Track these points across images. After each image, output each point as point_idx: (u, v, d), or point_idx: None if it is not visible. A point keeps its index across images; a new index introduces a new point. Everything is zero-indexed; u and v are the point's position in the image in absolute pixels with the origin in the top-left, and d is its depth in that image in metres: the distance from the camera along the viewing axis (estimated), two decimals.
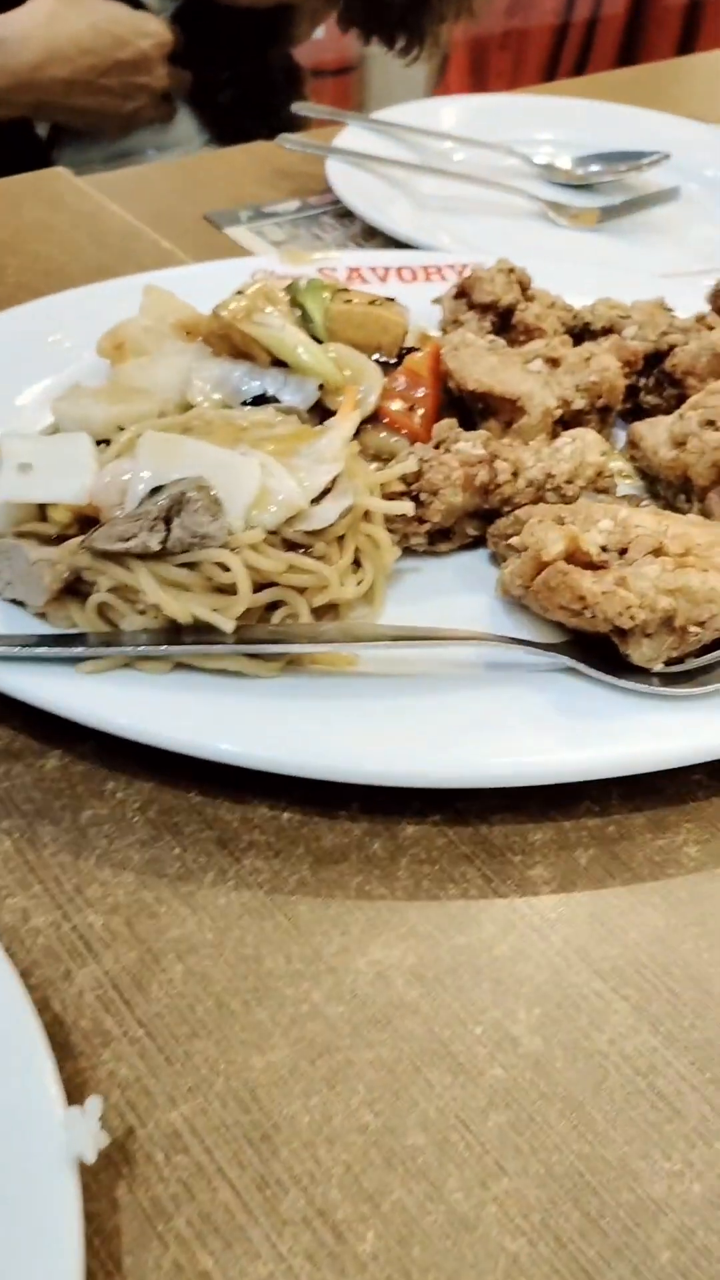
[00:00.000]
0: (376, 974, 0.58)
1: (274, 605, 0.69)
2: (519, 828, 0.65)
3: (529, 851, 0.64)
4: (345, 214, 1.28)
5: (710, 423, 0.76)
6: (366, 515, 0.73)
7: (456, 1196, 0.50)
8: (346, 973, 0.58)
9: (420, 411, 0.85)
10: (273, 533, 0.68)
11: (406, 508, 0.73)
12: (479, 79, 3.66)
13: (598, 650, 0.69)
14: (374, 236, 1.24)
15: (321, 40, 3.19)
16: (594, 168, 1.32)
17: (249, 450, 0.70)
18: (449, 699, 0.67)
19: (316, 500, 0.69)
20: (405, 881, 0.62)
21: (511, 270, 0.92)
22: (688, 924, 0.61)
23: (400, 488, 0.75)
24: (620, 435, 0.88)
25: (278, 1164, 0.51)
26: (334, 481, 0.70)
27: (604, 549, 0.68)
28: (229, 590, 0.66)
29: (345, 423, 0.73)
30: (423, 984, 0.57)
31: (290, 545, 0.69)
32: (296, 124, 1.63)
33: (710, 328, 0.87)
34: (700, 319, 0.89)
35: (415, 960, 0.58)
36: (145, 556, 0.65)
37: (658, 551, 0.67)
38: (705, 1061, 0.55)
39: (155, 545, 0.65)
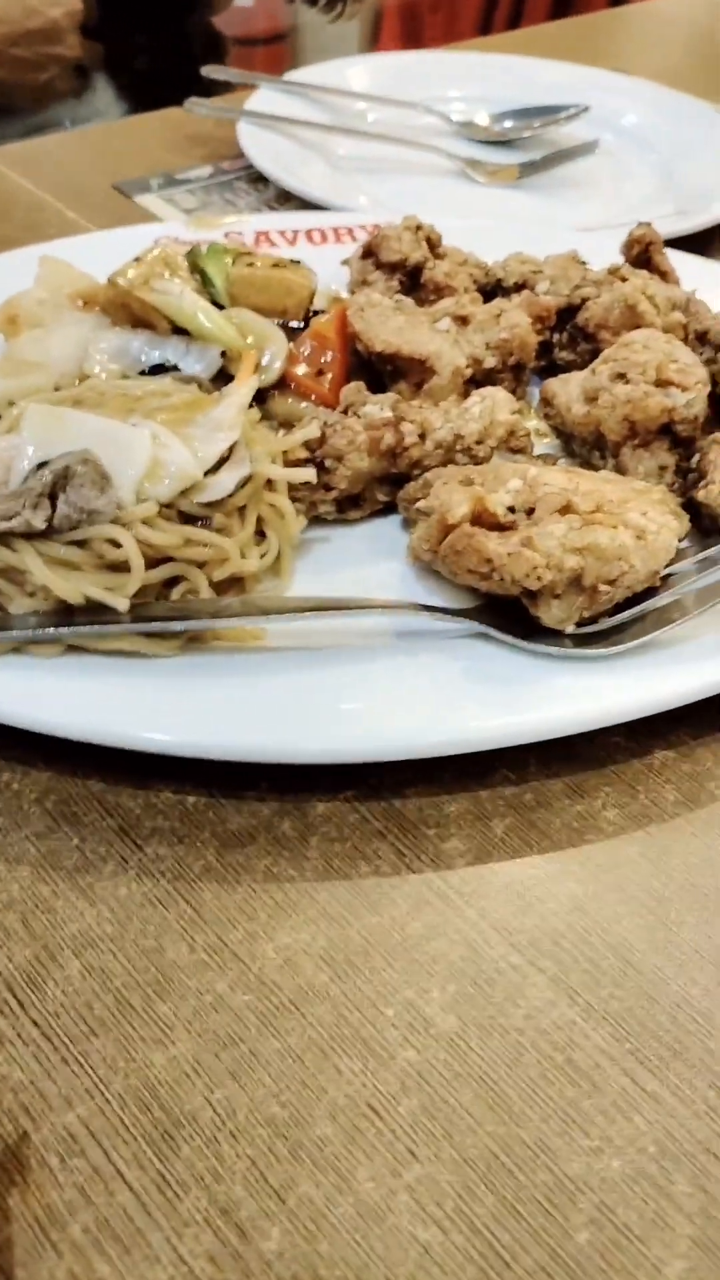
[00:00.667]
0: (284, 960, 0.55)
1: (174, 582, 0.66)
2: (433, 800, 0.63)
3: (444, 824, 0.62)
4: (259, 179, 1.24)
5: (621, 376, 0.74)
6: (269, 484, 0.70)
7: (366, 1187, 0.48)
8: (253, 960, 0.55)
9: (329, 376, 0.82)
10: (167, 506, 0.65)
11: (309, 475, 0.70)
12: (412, 42, 3.60)
13: (511, 614, 0.67)
14: (289, 200, 1.20)
15: (252, 8, 3.13)
16: (511, 123, 1.29)
17: (141, 421, 0.67)
18: (359, 670, 0.65)
19: (213, 470, 0.66)
20: (315, 861, 0.60)
21: (419, 227, 0.89)
22: (606, 890, 0.59)
23: (304, 454, 0.72)
24: (536, 394, 0.86)
25: (179, 1163, 0.48)
26: (231, 450, 0.67)
27: (511, 509, 0.66)
28: (122, 568, 0.64)
29: (242, 388, 0.70)
30: (332, 967, 0.55)
31: (187, 518, 0.66)
32: (214, 90, 1.58)
33: (624, 279, 0.85)
34: (614, 271, 0.87)
35: (325, 943, 0.56)
36: (31, 535, 0.62)
37: (565, 509, 0.64)
38: (624, 1033, 0.53)
39: (40, 523, 0.62)
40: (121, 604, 0.63)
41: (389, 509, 0.76)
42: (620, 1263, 0.46)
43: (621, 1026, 0.53)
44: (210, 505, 0.66)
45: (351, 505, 0.75)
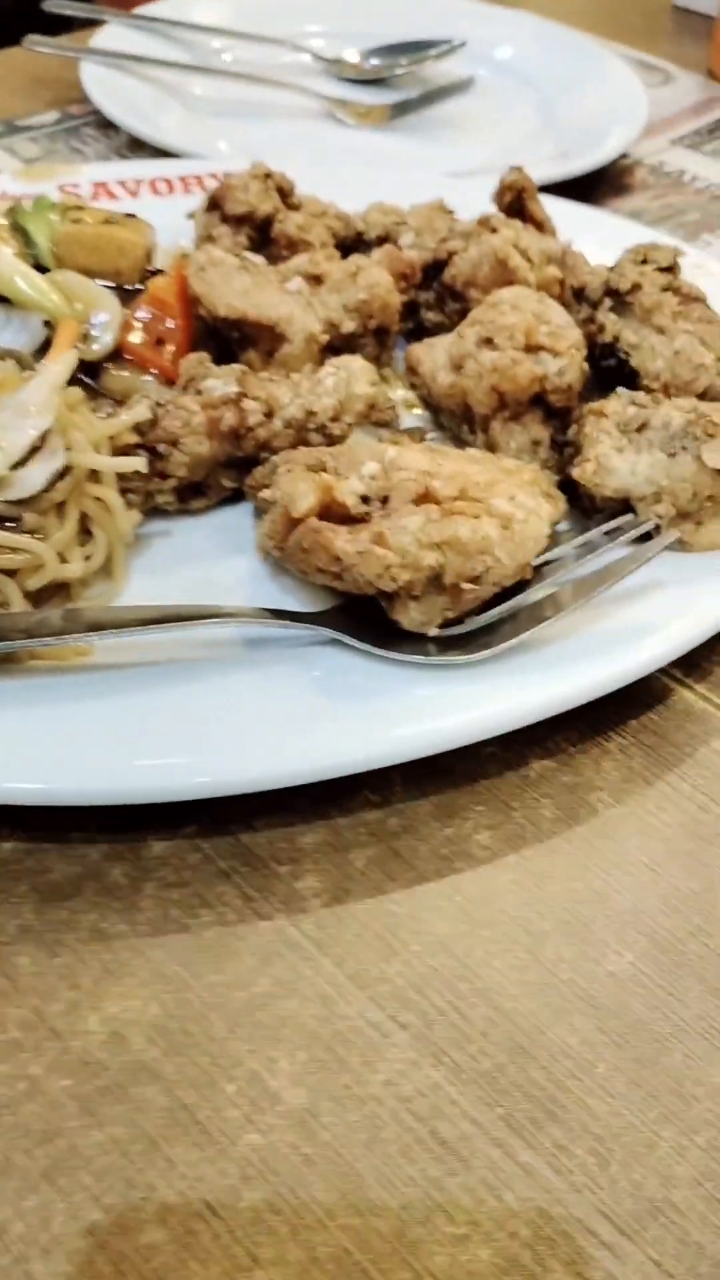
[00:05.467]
0: (110, 1034, 0.48)
1: None
2: (286, 830, 0.56)
3: (298, 859, 0.55)
4: (110, 124, 1.13)
5: (488, 341, 0.66)
6: (94, 475, 0.62)
7: None
8: (74, 1036, 0.48)
9: (170, 346, 0.74)
10: None
11: (137, 464, 0.62)
12: None
13: (373, 615, 0.60)
14: (142, 149, 1.10)
15: None
16: (380, 60, 1.19)
17: None
18: (200, 689, 0.57)
19: (20, 463, 0.58)
20: (150, 913, 0.52)
21: (269, 175, 0.80)
22: (477, 928, 0.53)
23: (134, 439, 0.64)
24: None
25: None
26: (43, 439, 0.59)
27: (365, 499, 0.58)
28: None
29: (56, 365, 0.62)
30: (166, 1039, 0.48)
31: None
32: (64, 27, 1.46)
33: (494, 230, 0.78)
34: (484, 221, 0.79)
35: (158, 1010, 0.49)
36: None
37: (424, 498, 0.57)
38: (495, 1094, 0.47)
39: None
40: None
41: (239, 495, 0.69)
42: None
43: (492, 1088, 0.48)
44: (20, 504, 0.58)
45: (194, 494, 0.67)
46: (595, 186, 1.10)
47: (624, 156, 1.14)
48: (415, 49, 1.19)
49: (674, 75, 1.34)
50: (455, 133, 1.15)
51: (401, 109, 1.15)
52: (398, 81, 1.19)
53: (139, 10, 1.24)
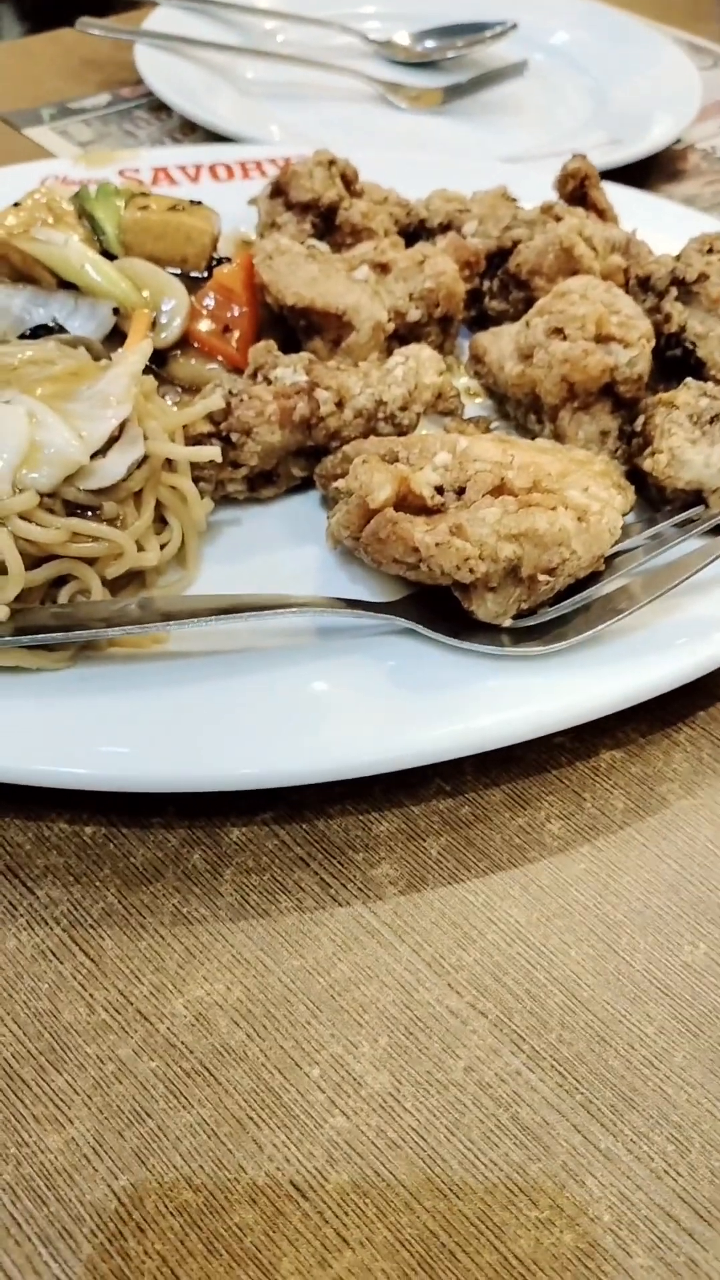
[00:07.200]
0: (195, 1016, 0.49)
1: (62, 580, 0.59)
2: (361, 818, 0.57)
3: (373, 846, 0.56)
4: (162, 107, 1.13)
5: (557, 331, 0.66)
6: (169, 464, 0.62)
7: None
8: (160, 1019, 0.49)
9: (236, 333, 0.74)
10: (50, 495, 0.57)
11: (213, 453, 0.63)
12: None
13: (443, 604, 0.60)
14: (194, 131, 1.10)
15: None
16: (433, 43, 1.19)
17: (16, 396, 0.59)
18: (274, 678, 0.58)
19: (100, 453, 0.58)
20: (230, 898, 0.53)
21: (332, 162, 0.80)
22: (551, 916, 0.53)
23: (207, 428, 0.65)
24: (466, 346, 0.78)
25: (78, 1265, 0.43)
26: (121, 428, 0.59)
27: (439, 490, 0.59)
28: None
29: (132, 355, 0.62)
30: (250, 1022, 0.49)
31: (74, 508, 0.58)
32: (114, 8, 1.45)
33: (558, 218, 0.77)
34: (547, 209, 0.79)
35: (241, 994, 0.50)
36: None
37: (499, 490, 0.58)
38: (574, 1081, 0.48)
39: None
40: None
41: (307, 484, 0.69)
42: None
43: (571, 1075, 0.48)
44: (100, 493, 0.58)
45: (264, 482, 0.68)
46: (647, 172, 1.09)
47: (676, 141, 1.13)
48: (468, 31, 1.18)
49: None
50: (508, 117, 1.14)
51: (454, 92, 1.14)
52: (450, 65, 1.19)
53: None
